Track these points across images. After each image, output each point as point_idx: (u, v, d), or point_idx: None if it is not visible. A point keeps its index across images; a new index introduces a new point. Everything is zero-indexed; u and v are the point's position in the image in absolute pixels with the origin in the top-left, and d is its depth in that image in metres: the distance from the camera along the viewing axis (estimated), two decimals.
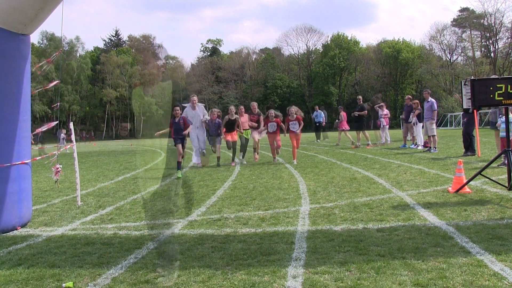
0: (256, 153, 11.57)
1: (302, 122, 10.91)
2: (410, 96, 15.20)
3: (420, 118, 13.77)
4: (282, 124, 11.00)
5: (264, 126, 11.11)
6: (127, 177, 9.73)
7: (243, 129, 11.23)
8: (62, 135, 27.21)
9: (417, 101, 14.73)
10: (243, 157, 11.43)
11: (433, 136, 12.07)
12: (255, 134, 11.57)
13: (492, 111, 9.21)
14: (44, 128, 6.18)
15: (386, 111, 16.92)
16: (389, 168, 8.77)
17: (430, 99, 12.39)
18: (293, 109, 10.91)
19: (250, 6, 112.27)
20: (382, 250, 3.45)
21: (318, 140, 21.15)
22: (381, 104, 17.45)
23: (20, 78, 4.93)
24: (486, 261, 3.08)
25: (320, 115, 21.34)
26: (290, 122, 10.82)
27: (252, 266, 3.26)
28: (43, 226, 5.05)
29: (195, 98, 11.26)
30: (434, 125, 12.14)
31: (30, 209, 5.23)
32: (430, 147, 12.14)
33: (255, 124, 11.38)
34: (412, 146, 14.11)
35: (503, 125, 7.97)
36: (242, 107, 11.92)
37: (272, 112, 11.04)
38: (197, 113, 11.03)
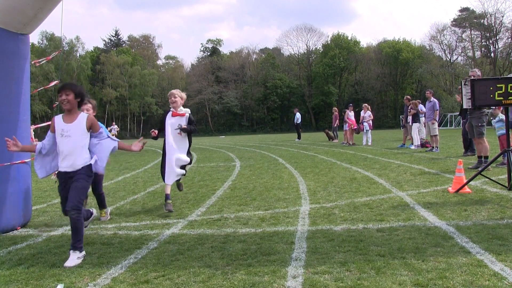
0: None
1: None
2: (408, 97, 15.25)
3: (416, 118, 13.79)
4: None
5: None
6: (127, 177, 9.73)
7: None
8: (115, 128, 27.04)
9: (417, 100, 14.69)
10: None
11: (435, 135, 12.09)
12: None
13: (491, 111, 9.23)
14: (43, 125, 6.18)
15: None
16: (389, 168, 8.77)
17: (432, 98, 12.42)
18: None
19: (249, 6, 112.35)
20: (382, 250, 3.45)
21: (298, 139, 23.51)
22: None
23: (19, 78, 4.93)
24: (486, 261, 3.08)
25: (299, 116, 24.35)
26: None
27: (252, 266, 3.26)
28: (43, 226, 5.04)
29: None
30: (436, 124, 12.18)
31: (30, 209, 5.23)
32: (433, 147, 12.16)
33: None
34: (411, 146, 14.13)
35: (498, 124, 8.00)
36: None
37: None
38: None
